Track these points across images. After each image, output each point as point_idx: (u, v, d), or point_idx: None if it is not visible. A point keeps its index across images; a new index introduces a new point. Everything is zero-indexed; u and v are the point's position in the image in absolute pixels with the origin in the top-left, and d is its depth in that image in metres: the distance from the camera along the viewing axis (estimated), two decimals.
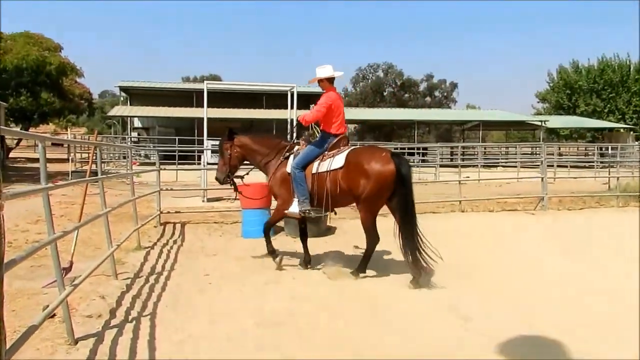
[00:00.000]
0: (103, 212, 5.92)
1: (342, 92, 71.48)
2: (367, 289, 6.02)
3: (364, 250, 6.65)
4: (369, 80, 70.01)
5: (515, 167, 27.76)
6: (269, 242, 7.07)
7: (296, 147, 6.94)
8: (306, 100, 36.91)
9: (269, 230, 7.15)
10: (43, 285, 5.65)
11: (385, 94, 69.42)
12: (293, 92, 13.50)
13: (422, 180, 20.40)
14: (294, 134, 7.21)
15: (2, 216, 2.69)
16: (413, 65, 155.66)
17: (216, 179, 7.26)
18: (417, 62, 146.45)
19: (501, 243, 8.73)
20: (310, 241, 8.54)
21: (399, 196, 6.22)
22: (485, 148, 42.45)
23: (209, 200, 13.28)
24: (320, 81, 6.78)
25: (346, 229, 9.84)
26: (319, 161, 6.57)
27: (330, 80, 6.77)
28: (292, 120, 7.18)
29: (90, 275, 5.18)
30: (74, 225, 5.11)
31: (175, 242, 8.72)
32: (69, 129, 26.20)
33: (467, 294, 5.72)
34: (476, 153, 37.33)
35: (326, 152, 6.62)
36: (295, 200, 6.64)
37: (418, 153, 29.92)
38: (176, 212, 10.96)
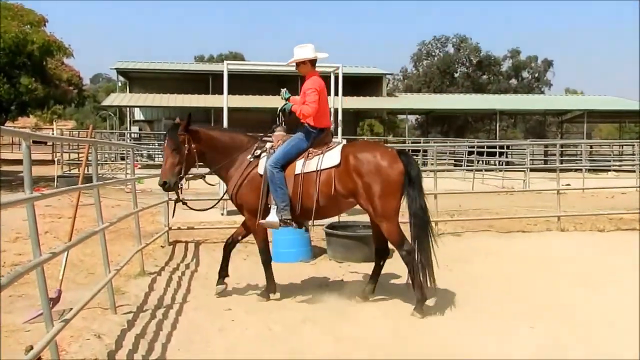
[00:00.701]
0: (99, 229, 6.08)
1: (399, 74, 71.42)
2: (432, 328, 5.99)
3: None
4: (435, 58, 69.61)
5: (634, 171, 27.04)
6: (269, 276, 7.26)
7: (268, 144, 7.05)
8: (353, 83, 37.07)
9: (269, 263, 7.28)
10: (25, 320, 5.83)
11: (456, 75, 68.90)
12: (337, 74, 13.54)
13: (506, 188, 20.17)
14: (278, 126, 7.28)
15: None
16: (493, 37, 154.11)
17: (163, 184, 6.84)
18: (499, 34, 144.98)
19: (617, 279, 8.36)
20: (361, 266, 8.65)
21: (407, 201, 6.78)
22: (591, 147, 41.55)
23: (229, 213, 13.43)
24: (301, 64, 7.07)
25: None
26: (302, 159, 6.81)
27: (313, 62, 7.10)
28: (282, 111, 7.05)
29: (84, 308, 5.33)
30: (64, 245, 5.26)
31: (187, 266, 8.88)
32: (54, 123, 26.96)
33: (573, 348, 5.59)
34: (579, 153, 36.55)
35: (310, 149, 6.89)
36: (273, 207, 6.75)
37: (501, 152, 29.57)
38: (188, 228, 11.13)
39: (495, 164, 29.60)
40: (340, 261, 9.09)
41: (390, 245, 7.14)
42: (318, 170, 6.67)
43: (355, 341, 5.64)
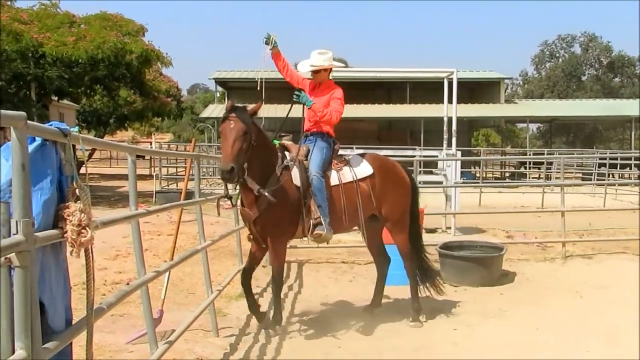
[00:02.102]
0: (201, 247, 6.30)
1: (519, 78, 69.94)
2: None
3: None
4: (560, 60, 67.72)
5: None
6: (279, 307, 6.97)
7: (288, 154, 6.87)
8: (468, 89, 36.61)
9: (280, 288, 6.99)
10: (128, 341, 6.12)
11: (584, 78, 66.70)
12: (452, 79, 13.43)
13: None
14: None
15: (92, 251, 3.00)
16: (627, 35, 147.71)
17: (231, 169, 5.97)
18: (633, 31, 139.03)
19: None
20: (480, 291, 8.52)
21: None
22: None
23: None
24: (322, 70, 7.14)
25: (530, 276, 9.58)
26: (333, 170, 6.98)
27: (330, 71, 7.35)
28: (298, 102, 6.82)
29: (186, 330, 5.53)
30: (167, 264, 5.48)
31: (290, 287, 9.03)
32: (153, 136, 28.07)
33: None
34: None
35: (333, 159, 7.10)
36: (324, 219, 6.62)
37: (636, 164, 28.25)
38: (290, 247, 11.31)
39: (630, 178, 28.33)
40: (455, 285, 8.97)
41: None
42: (356, 180, 6.90)
43: None
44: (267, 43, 7.09)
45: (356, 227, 7.47)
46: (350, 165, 7.05)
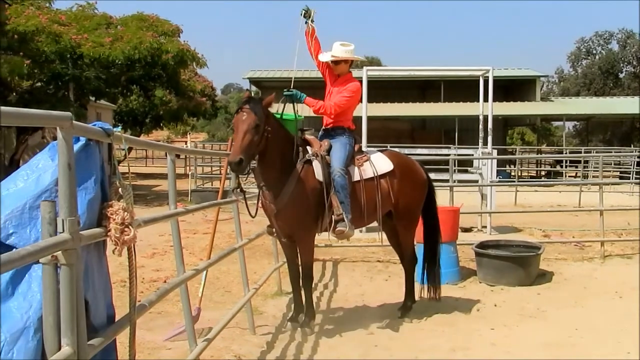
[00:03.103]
0: (238, 245, 6.35)
1: (555, 75, 69.11)
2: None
3: None
4: (597, 57, 66.65)
5: None
6: (310, 302, 6.99)
7: (310, 149, 6.75)
8: (503, 87, 36.26)
9: (311, 283, 7.03)
10: (166, 338, 6.19)
11: (621, 75, 65.56)
12: (487, 77, 13.32)
13: None
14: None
15: (134, 249, 3.04)
16: None
17: (239, 161, 5.95)
18: None
19: None
20: (517, 291, 8.45)
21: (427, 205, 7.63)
22: None
23: (368, 230, 13.53)
24: (342, 62, 7.07)
25: (568, 276, 9.46)
26: (353, 165, 6.93)
27: (351, 64, 7.26)
28: (290, 96, 6.72)
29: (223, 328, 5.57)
30: (206, 262, 5.53)
31: (325, 286, 9.05)
32: (188, 135, 28.34)
33: None
34: None
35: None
36: (346, 216, 6.59)
37: None
38: (326, 245, 11.31)
39: None
40: (491, 284, 8.89)
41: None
42: (377, 177, 6.92)
43: None
44: (304, 16, 7.08)
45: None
46: (371, 161, 7.05)
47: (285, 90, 6.75)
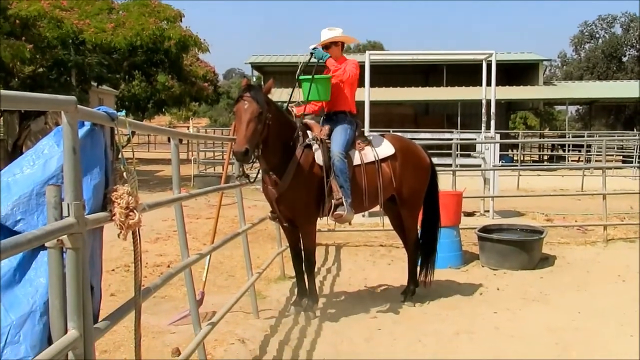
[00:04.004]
0: (242, 230, 6.35)
1: (557, 59, 68.85)
2: (583, 338, 5.75)
3: None
4: (600, 40, 66.36)
5: None
6: (313, 287, 7.05)
7: (310, 133, 6.76)
8: (506, 71, 36.16)
9: (313, 268, 7.04)
10: (171, 322, 6.22)
11: (624, 59, 65.30)
12: (490, 61, 13.28)
13: None
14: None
15: (139, 233, 3.05)
16: None
17: (245, 151, 5.92)
18: None
19: None
20: (520, 275, 8.46)
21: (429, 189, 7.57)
22: None
23: (371, 214, 13.55)
24: (333, 45, 7.06)
25: (570, 260, 9.47)
26: (354, 150, 6.92)
27: (342, 46, 7.24)
28: (312, 56, 7.05)
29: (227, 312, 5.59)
30: (209, 247, 5.54)
31: (329, 270, 9.07)
32: (190, 121, 28.37)
33: None
34: None
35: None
36: (346, 200, 6.59)
37: None
38: (329, 230, 11.33)
39: None
40: (494, 268, 8.91)
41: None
42: (378, 161, 6.90)
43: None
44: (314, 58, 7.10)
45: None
46: (372, 145, 7.03)
47: (311, 46, 7.07)
